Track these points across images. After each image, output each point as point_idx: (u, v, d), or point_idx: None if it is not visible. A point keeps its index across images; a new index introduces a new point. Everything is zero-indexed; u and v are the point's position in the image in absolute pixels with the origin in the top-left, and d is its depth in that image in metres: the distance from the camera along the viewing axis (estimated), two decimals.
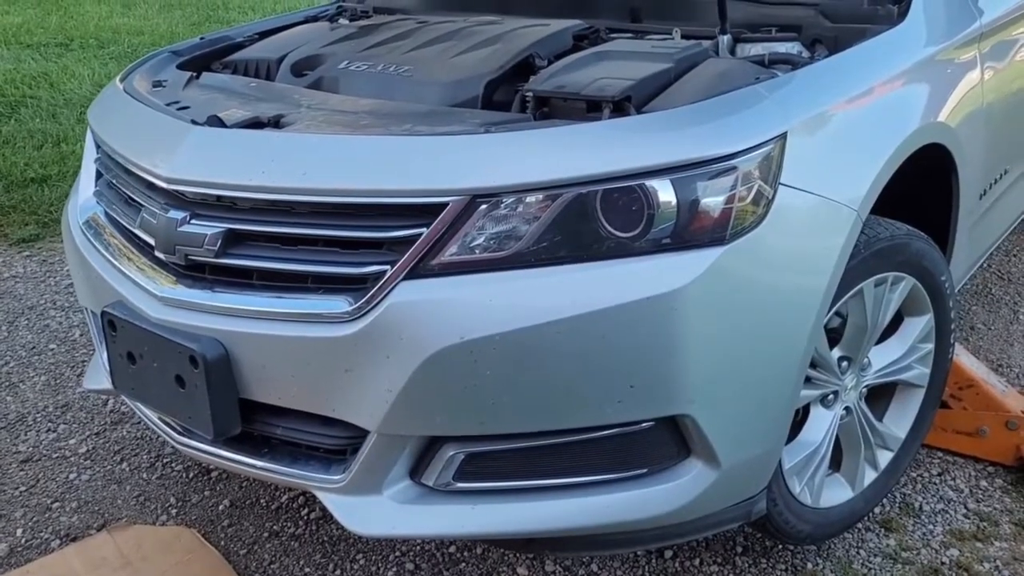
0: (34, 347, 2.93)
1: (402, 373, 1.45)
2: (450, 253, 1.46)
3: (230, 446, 1.70)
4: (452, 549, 2.04)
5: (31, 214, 3.92)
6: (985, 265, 3.35)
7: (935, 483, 2.22)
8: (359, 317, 1.47)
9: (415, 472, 1.57)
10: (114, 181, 1.90)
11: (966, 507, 2.14)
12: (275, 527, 2.13)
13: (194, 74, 2.13)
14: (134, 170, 1.76)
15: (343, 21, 2.51)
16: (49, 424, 2.52)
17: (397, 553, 2.03)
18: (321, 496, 1.63)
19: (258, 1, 8.89)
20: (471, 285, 1.45)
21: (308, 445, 1.64)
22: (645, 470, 1.54)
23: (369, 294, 1.47)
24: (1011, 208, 2.71)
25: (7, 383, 2.72)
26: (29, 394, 2.67)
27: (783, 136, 1.53)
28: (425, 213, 1.46)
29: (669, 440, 1.53)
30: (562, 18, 2.14)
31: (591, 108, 1.63)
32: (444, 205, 1.45)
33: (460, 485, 1.56)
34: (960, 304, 3.03)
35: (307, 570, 2.00)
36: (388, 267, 1.47)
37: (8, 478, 2.31)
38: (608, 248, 1.45)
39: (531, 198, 1.45)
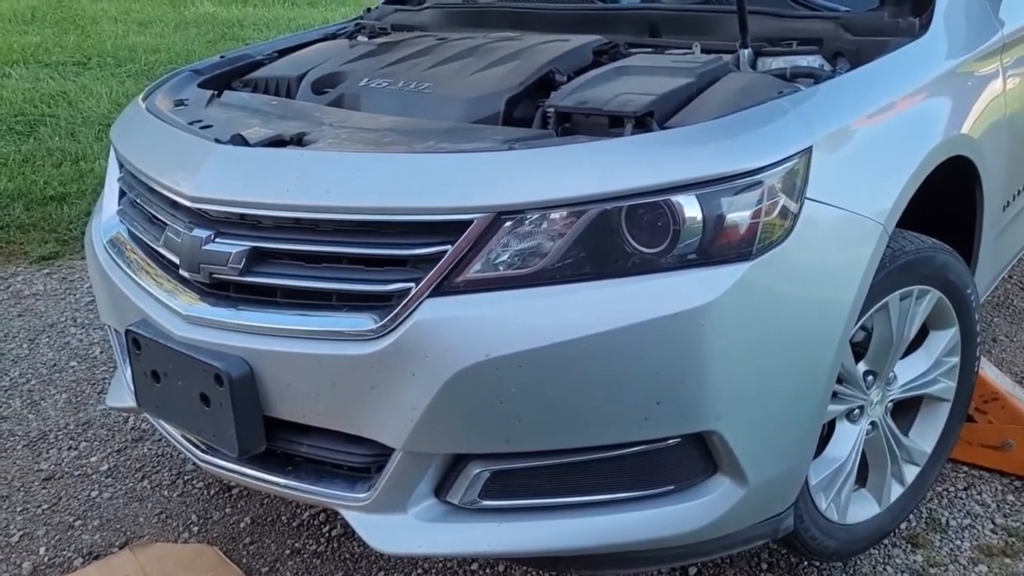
0: (55, 364, 2.94)
1: (427, 391, 1.45)
2: (475, 270, 1.46)
3: (254, 464, 1.70)
4: (475, 567, 2.02)
5: (51, 232, 3.95)
6: (1007, 276, 3.33)
7: (961, 498, 2.19)
8: (384, 335, 1.47)
9: (440, 490, 1.57)
10: (138, 200, 1.91)
11: (993, 522, 2.11)
12: (297, 544, 2.12)
13: (215, 92, 2.14)
14: (158, 188, 1.77)
15: (362, 39, 2.53)
16: (71, 442, 2.53)
17: (419, 570, 2.02)
18: (345, 514, 1.63)
19: (272, 19, 8.95)
20: (496, 302, 1.44)
21: (333, 463, 1.64)
22: (672, 487, 1.53)
23: (394, 311, 1.47)
24: None
25: (29, 401, 2.73)
26: (51, 412, 2.68)
27: (808, 150, 1.52)
28: (450, 230, 1.46)
29: (696, 457, 1.51)
30: (581, 34, 2.14)
31: (613, 123, 1.62)
32: (469, 222, 1.45)
33: (486, 503, 1.55)
34: (982, 315, 3.01)
35: None
36: (413, 284, 1.47)
37: (31, 496, 2.31)
38: (633, 264, 1.44)
39: (555, 215, 1.45)
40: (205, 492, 2.31)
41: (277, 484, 1.69)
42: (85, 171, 4.57)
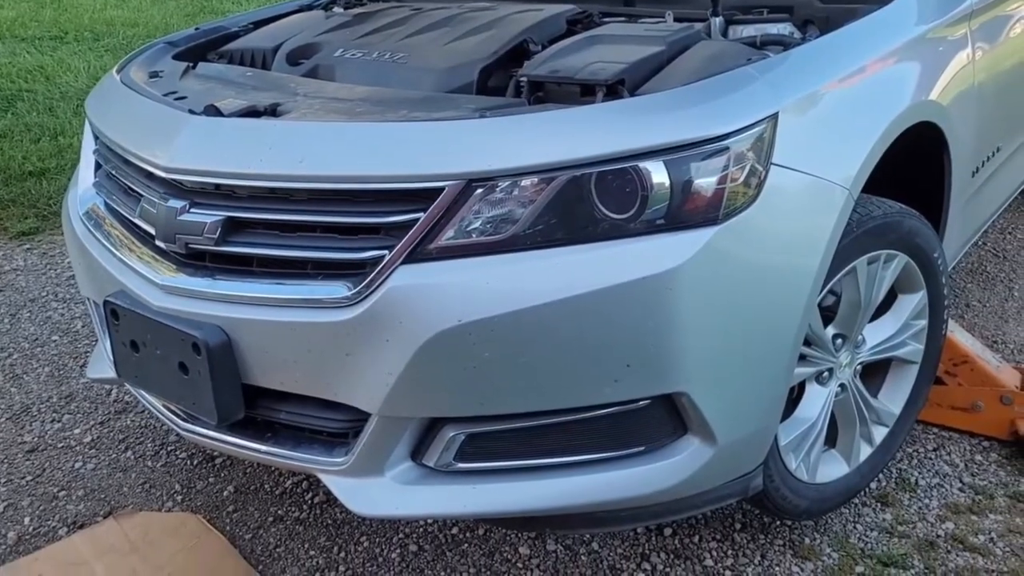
0: (37, 339, 2.95)
1: (402, 356, 1.47)
2: (447, 237, 1.48)
3: (234, 431, 1.72)
4: (455, 530, 2.06)
5: (30, 207, 3.93)
6: (980, 243, 3.37)
7: (931, 458, 2.24)
8: (359, 302, 1.49)
9: (416, 453, 1.60)
10: (113, 171, 1.92)
11: (961, 481, 2.17)
12: (280, 512, 2.15)
13: (190, 64, 2.14)
14: (133, 160, 1.78)
15: (337, 9, 2.52)
16: (54, 414, 2.55)
17: (400, 535, 2.06)
18: (325, 479, 1.66)
19: None
20: (468, 268, 1.47)
21: (311, 429, 1.66)
22: (643, 448, 1.57)
23: (368, 279, 1.49)
24: (1004, 185, 2.73)
25: (11, 375, 2.74)
26: (33, 385, 2.69)
27: (775, 116, 1.55)
28: (422, 198, 1.48)
29: (666, 418, 1.55)
30: (555, 3, 2.15)
31: (585, 92, 1.64)
32: (440, 190, 1.47)
33: (461, 465, 1.58)
34: (953, 281, 3.06)
35: (312, 553, 2.03)
36: (386, 252, 1.49)
37: (14, 468, 2.34)
38: (603, 230, 1.46)
39: (526, 181, 1.47)
40: (188, 462, 2.34)
41: (257, 451, 1.71)
42: (64, 146, 4.54)
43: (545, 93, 1.71)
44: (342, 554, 2.02)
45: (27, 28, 7.16)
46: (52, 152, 4.46)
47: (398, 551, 2.02)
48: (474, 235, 1.47)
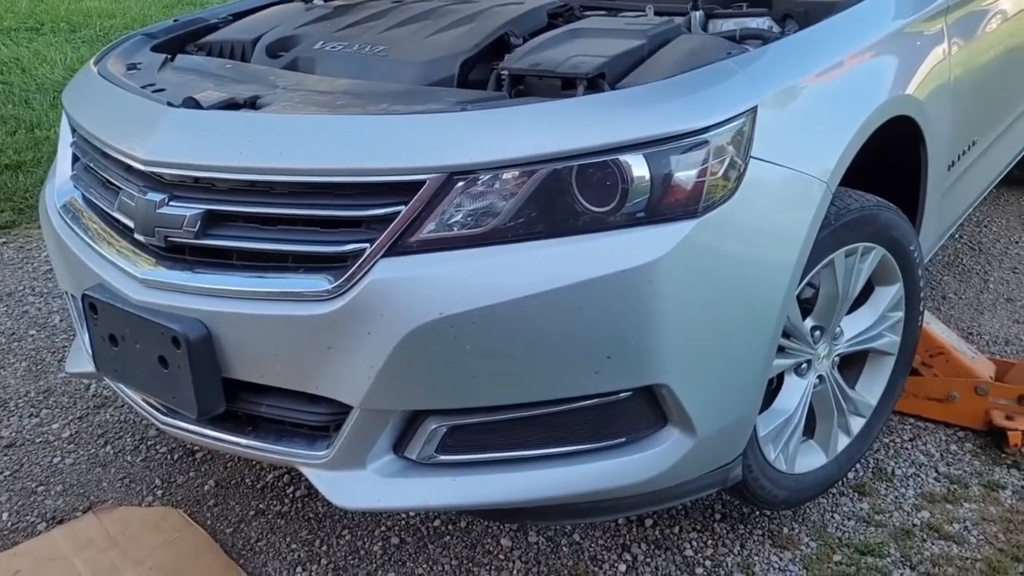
0: (13, 333, 2.92)
1: (383, 349, 1.48)
2: (428, 230, 1.48)
3: (215, 425, 1.72)
4: (437, 523, 2.07)
5: (6, 201, 3.89)
6: (956, 236, 3.41)
7: (907, 448, 2.27)
8: (340, 295, 1.49)
9: (398, 446, 1.60)
10: (91, 164, 1.90)
11: (937, 471, 2.20)
12: (261, 506, 2.15)
13: (168, 56, 2.13)
14: (111, 153, 1.77)
15: (317, 2, 2.51)
16: (32, 409, 2.53)
17: (383, 528, 2.06)
18: (306, 472, 1.66)
19: None
20: (450, 261, 1.47)
21: (292, 422, 1.66)
22: (624, 439, 1.58)
23: (349, 272, 1.49)
24: (980, 179, 2.76)
25: None
26: (10, 380, 2.67)
27: (754, 110, 1.56)
28: (403, 191, 1.48)
29: (646, 409, 1.56)
30: None
31: (566, 85, 1.65)
32: (421, 183, 1.47)
33: (443, 458, 1.59)
34: (929, 273, 3.09)
35: (294, 546, 2.03)
36: (367, 245, 1.49)
37: None
38: (583, 223, 1.47)
39: (507, 175, 1.47)
40: (168, 457, 2.33)
41: (238, 444, 1.71)
42: (40, 139, 4.50)
43: (526, 86, 1.71)
44: (324, 547, 2.02)
45: (2, 19, 7.07)
46: (28, 145, 4.42)
47: (380, 544, 2.02)
48: (455, 228, 1.48)
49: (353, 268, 1.49)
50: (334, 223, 1.53)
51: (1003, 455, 2.23)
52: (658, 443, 1.59)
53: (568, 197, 1.47)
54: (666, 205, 1.47)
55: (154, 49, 2.23)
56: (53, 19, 7.13)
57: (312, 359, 1.54)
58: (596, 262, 1.45)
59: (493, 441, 1.58)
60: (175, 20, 2.44)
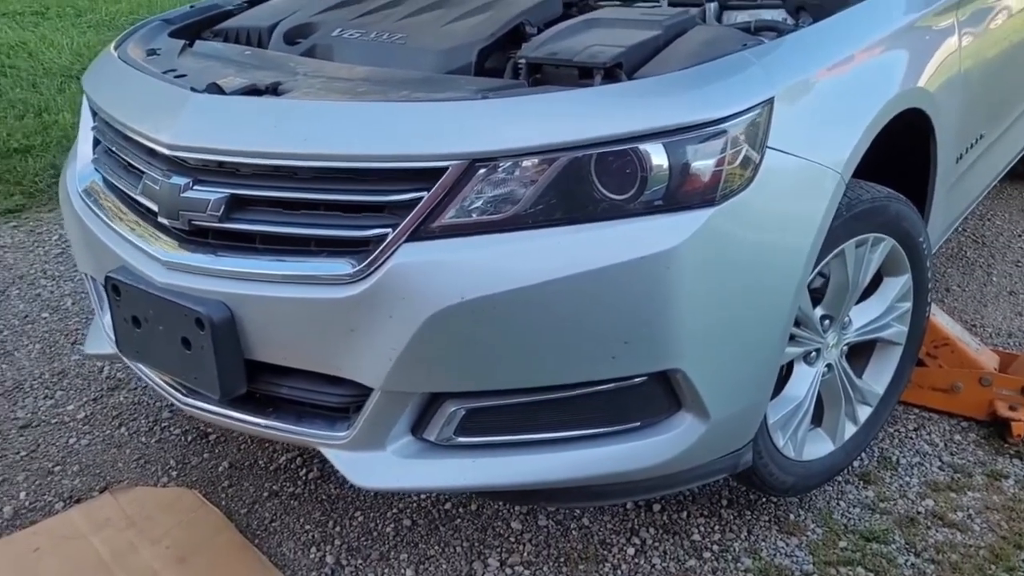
0: (27, 316, 2.95)
1: (405, 332, 1.50)
2: (450, 216, 1.50)
3: (236, 406, 1.74)
4: (448, 506, 2.10)
5: (16, 184, 3.91)
6: (960, 229, 3.44)
7: (912, 438, 2.30)
8: (362, 279, 1.52)
9: (417, 428, 1.63)
10: (113, 148, 1.92)
11: (941, 460, 2.23)
12: (274, 487, 2.18)
13: (187, 42, 2.15)
14: (135, 137, 1.79)
15: None
16: (46, 391, 2.56)
17: (395, 510, 2.09)
18: (325, 452, 1.69)
19: None
20: (471, 247, 1.50)
21: (313, 403, 1.69)
22: (638, 423, 1.61)
23: (371, 256, 1.51)
24: (986, 172, 2.79)
25: (2, 351, 2.74)
26: (25, 362, 2.69)
27: (770, 101, 1.58)
28: (425, 177, 1.51)
29: (661, 394, 1.59)
30: None
31: (583, 74, 1.67)
32: (444, 169, 1.49)
33: (461, 440, 1.62)
34: (934, 265, 3.12)
35: (307, 527, 2.06)
36: (390, 230, 1.51)
37: (8, 443, 2.35)
38: (602, 210, 1.50)
39: (528, 162, 1.50)
40: (183, 438, 2.36)
41: (259, 425, 1.74)
42: (49, 123, 4.51)
43: (543, 75, 1.73)
44: (337, 528, 2.05)
45: (8, 3, 7.07)
46: (37, 129, 4.43)
47: (392, 525, 2.05)
48: (476, 214, 1.50)
49: (376, 252, 1.51)
50: (357, 208, 1.56)
51: (1006, 445, 2.26)
52: (672, 428, 1.61)
53: (587, 185, 1.49)
54: (684, 193, 1.50)
55: (172, 35, 2.25)
56: (59, 3, 7.13)
57: (334, 342, 1.56)
58: (615, 249, 1.47)
59: (511, 424, 1.60)
60: (191, 6, 2.45)
